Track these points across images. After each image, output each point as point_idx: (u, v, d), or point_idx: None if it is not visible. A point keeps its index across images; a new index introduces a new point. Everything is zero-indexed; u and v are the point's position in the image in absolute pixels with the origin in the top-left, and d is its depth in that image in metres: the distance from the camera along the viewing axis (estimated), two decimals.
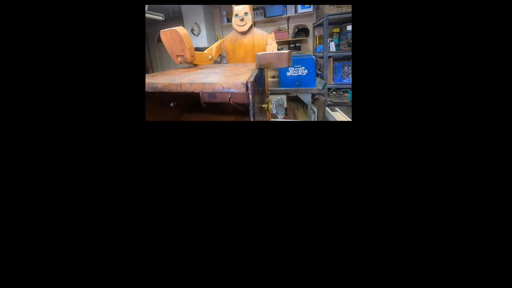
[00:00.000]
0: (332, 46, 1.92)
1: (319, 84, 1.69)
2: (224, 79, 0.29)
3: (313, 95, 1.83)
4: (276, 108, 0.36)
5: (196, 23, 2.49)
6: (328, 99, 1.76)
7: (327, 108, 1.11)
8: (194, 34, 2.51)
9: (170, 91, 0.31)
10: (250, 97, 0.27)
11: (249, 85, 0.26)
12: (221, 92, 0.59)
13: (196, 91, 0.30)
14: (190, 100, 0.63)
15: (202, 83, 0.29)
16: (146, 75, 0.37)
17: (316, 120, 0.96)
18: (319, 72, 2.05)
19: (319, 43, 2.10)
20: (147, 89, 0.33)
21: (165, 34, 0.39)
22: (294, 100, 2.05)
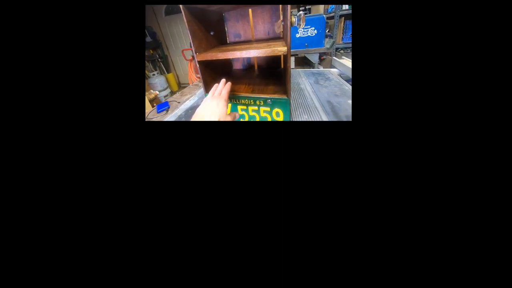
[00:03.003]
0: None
1: (327, 44, 1.75)
2: None
3: (320, 55, 1.90)
4: (297, 19, 0.52)
5: None
6: (335, 58, 1.83)
7: (334, 57, 1.25)
8: None
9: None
10: None
11: None
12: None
13: None
14: (221, 37, 0.81)
15: None
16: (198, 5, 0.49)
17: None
18: (328, 34, 2.07)
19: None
20: (202, 7, 0.50)
21: None
22: (300, 63, 2.13)
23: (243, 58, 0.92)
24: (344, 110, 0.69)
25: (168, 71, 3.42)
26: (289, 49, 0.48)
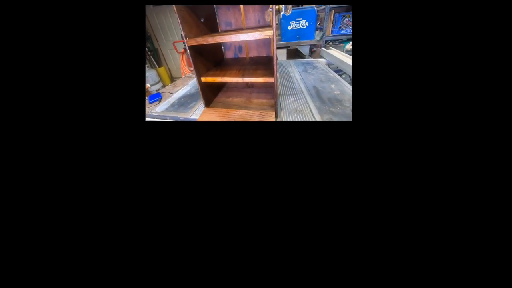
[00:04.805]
0: None
1: (317, 36, 1.81)
2: None
3: (311, 47, 1.95)
4: (285, 7, 0.58)
5: None
6: (323, 49, 1.89)
7: (323, 48, 1.31)
8: None
9: None
10: None
11: None
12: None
13: None
14: (212, 25, 0.84)
15: None
16: None
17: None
18: (319, 26, 2.11)
19: None
20: None
21: None
22: (292, 55, 2.17)
23: (234, 47, 0.96)
24: (327, 93, 0.75)
25: (159, 65, 3.35)
26: (274, 33, 0.53)
